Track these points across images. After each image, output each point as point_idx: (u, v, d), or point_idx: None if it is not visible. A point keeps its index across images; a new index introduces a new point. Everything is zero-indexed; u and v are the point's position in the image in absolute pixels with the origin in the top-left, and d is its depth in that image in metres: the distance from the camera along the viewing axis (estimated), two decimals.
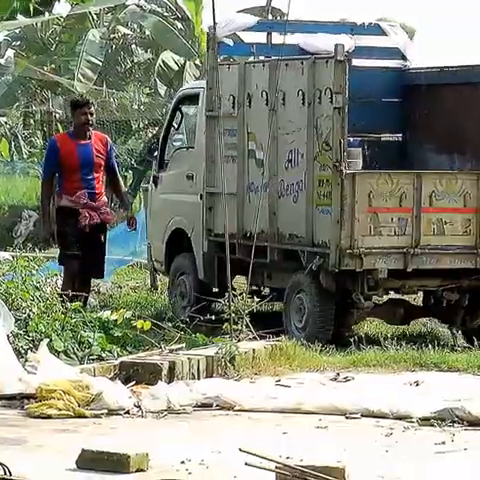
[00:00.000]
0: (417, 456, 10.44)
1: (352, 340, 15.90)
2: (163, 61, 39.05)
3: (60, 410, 11.87)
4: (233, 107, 18.71)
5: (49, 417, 11.77)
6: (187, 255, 19.67)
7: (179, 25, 38.99)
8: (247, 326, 15.50)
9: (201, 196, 18.91)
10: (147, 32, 40.80)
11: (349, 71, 15.30)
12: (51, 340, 13.41)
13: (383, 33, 15.44)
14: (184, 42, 37.69)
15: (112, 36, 40.43)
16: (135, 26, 41.42)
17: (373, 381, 14.47)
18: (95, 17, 38.54)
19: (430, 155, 17.42)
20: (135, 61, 41.65)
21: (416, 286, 14.32)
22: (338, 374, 14.66)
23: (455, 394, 12.89)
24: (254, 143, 18.31)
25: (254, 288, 17.31)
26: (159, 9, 40.64)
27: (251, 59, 18.08)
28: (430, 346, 15.71)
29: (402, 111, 18.38)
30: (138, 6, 39.89)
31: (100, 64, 37.35)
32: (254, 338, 15.28)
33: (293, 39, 16.08)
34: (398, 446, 10.97)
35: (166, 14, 40.20)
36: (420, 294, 15.90)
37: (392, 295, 15.68)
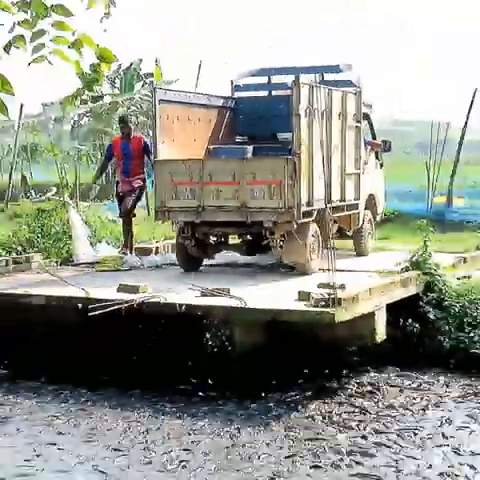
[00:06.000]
0: None
1: None
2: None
3: (110, 267, 11.75)
4: None
5: (105, 271, 11.52)
6: None
7: None
8: None
9: None
10: (144, 108, 40.41)
11: None
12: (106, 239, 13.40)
13: (341, 71, 12.30)
14: None
15: (128, 111, 39.96)
16: (139, 105, 40.97)
17: None
18: (120, 102, 38.06)
19: None
20: (138, 121, 41.25)
21: (221, 232, 11.02)
22: None
23: None
24: None
25: None
26: (148, 98, 40.29)
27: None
28: None
29: None
30: (139, 97, 39.51)
31: None
32: None
33: (286, 79, 11.93)
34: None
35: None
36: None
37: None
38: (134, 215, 12.42)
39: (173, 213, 10.78)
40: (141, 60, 30.75)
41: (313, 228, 10.60)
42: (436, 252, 10.88)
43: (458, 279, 10.57)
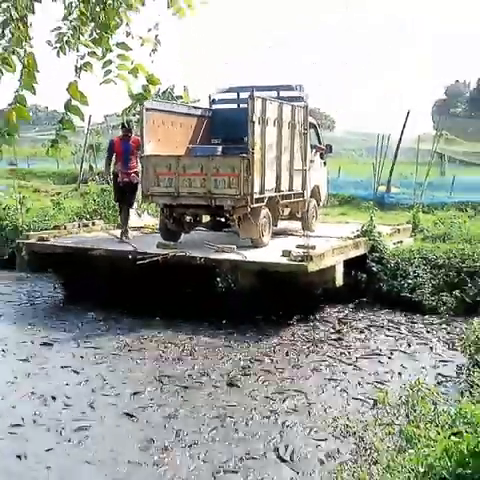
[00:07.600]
0: None
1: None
2: None
3: (151, 230, 11.39)
4: None
5: (147, 233, 11.16)
6: None
7: None
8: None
9: None
10: None
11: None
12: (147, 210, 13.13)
13: (293, 89, 11.18)
14: None
15: None
16: None
17: None
18: None
19: None
20: None
21: (194, 214, 10.08)
22: None
23: None
24: None
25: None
26: None
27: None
28: None
29: None
30: None
31: None
32: None
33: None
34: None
35: None
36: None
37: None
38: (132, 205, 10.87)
39: (155, 197, 9.94)
40: (174, 85, 30.22)
41: (264, 211, 9.73)
42: (379, 224, 10.87)
43: (394, 244, 10.56)
